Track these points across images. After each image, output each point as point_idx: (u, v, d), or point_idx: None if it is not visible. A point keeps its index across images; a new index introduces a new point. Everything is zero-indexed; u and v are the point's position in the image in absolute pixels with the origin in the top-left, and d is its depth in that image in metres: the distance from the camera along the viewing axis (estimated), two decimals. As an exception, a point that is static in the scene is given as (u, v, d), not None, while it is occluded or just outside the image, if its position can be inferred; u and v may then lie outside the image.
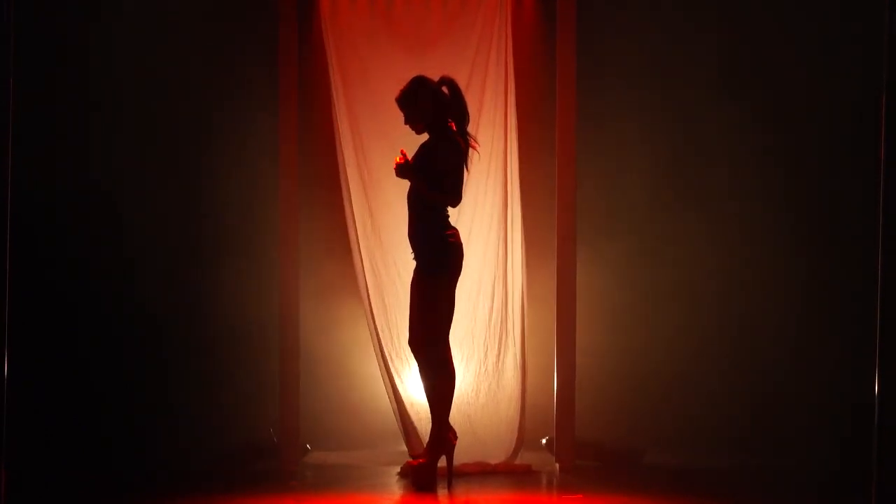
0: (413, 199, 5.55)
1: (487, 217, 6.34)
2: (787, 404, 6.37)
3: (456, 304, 5.58)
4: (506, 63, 6.38)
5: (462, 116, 5.57)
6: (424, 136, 5.62)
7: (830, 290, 6.34)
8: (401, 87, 5.59)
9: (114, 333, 6.34)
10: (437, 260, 5.49)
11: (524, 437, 6.20)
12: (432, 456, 5.50)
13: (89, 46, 6.34)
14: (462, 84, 5.72)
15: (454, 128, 5.54)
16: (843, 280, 6.29)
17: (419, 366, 5.59)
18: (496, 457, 6.09)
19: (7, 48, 4.26)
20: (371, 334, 6.26)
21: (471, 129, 5.67)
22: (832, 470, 5.89)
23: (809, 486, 5.64)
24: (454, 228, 5.58)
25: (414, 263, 5.60)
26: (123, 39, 6.37)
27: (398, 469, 6.00)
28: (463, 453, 5.84)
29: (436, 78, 5.58)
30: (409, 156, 5.51)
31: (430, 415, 5.57)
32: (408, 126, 5.62)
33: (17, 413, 4.52)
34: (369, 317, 6.25)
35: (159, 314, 6.41)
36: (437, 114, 5.54)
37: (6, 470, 4.32)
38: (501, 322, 6.30)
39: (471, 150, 5.62)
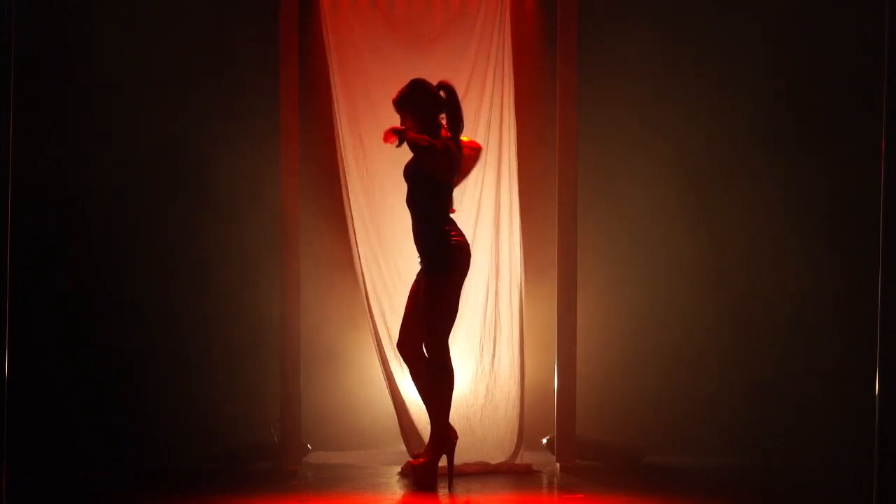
0: (412, 202, 5.54)
1: (487, 217, 6.33)
2: (787, 404, 6.36)
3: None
4: (506, 64, 6.37)
5: (457, 123, 5.54)
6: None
7: (831, 291, 6.33)
8: (399, 88, 5.58)
9: (115, 334, 6.34)
10: (443, 261, 5.46)
11: (524, 437, 6.20)
12: (433, 456, 5.49)
13: (88, 45, 6.33)
14: (462, 84, 5.71)
15: (447, 133, 5.52)
16: (843, 280, 6.28)
17: (411, 368, 5.59)
18: (496, 457, 6.09)
19: (7, 48, 4.25)
20: (371, 334, 6.27)
21: (470, 128, 5.65)
22: (832, 470, 5.89)
23: (810, 486, 5.63)
24: (459, 229, 5.56)
25: (418, 267, 5.59)
26: (123, 39, 6.36)
27: (399, 469, 6.00)
28: (463, 453, 5.85)
29: (435, 81, 5.57)
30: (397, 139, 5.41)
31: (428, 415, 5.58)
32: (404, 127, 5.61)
33: (17, 413, 4.52)
34: (369, 318, 6.25)
35: (160, 315, 6.41)
36: (433, 118, 5.53)
37: (6, 470, 4.32)
38: (497, 322, 6.29)
39: (463, 155, 5.60)
